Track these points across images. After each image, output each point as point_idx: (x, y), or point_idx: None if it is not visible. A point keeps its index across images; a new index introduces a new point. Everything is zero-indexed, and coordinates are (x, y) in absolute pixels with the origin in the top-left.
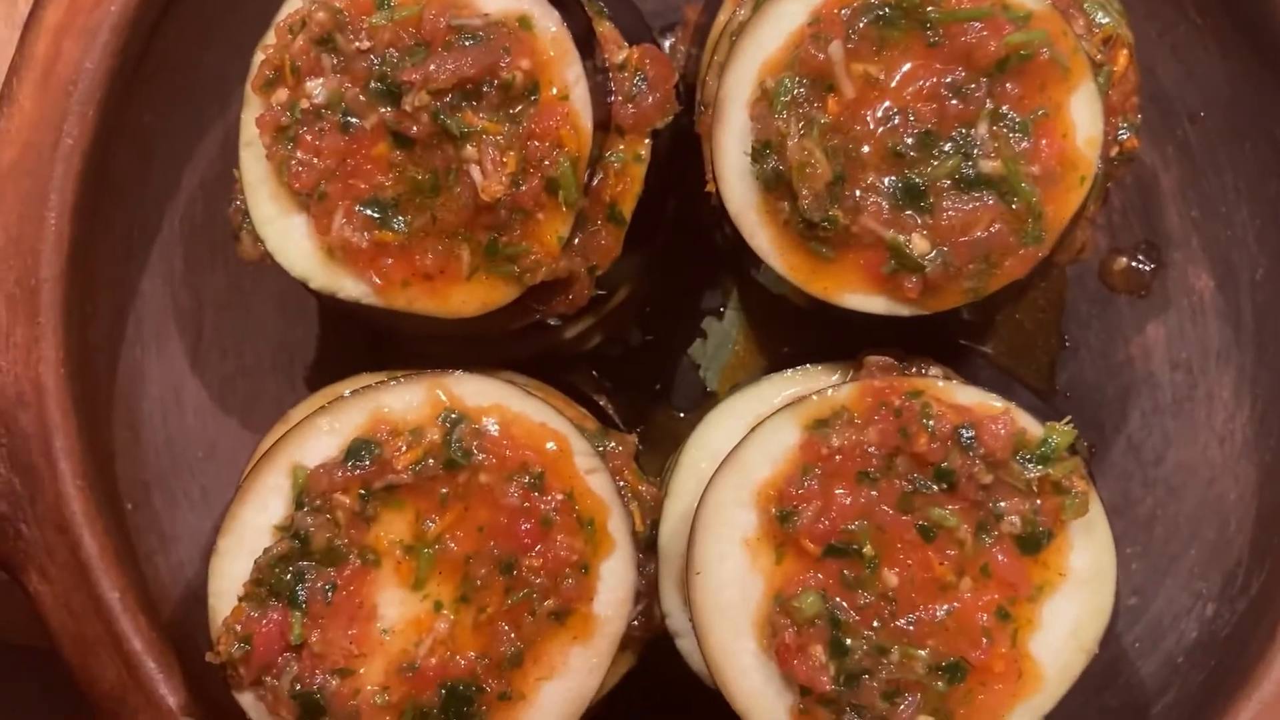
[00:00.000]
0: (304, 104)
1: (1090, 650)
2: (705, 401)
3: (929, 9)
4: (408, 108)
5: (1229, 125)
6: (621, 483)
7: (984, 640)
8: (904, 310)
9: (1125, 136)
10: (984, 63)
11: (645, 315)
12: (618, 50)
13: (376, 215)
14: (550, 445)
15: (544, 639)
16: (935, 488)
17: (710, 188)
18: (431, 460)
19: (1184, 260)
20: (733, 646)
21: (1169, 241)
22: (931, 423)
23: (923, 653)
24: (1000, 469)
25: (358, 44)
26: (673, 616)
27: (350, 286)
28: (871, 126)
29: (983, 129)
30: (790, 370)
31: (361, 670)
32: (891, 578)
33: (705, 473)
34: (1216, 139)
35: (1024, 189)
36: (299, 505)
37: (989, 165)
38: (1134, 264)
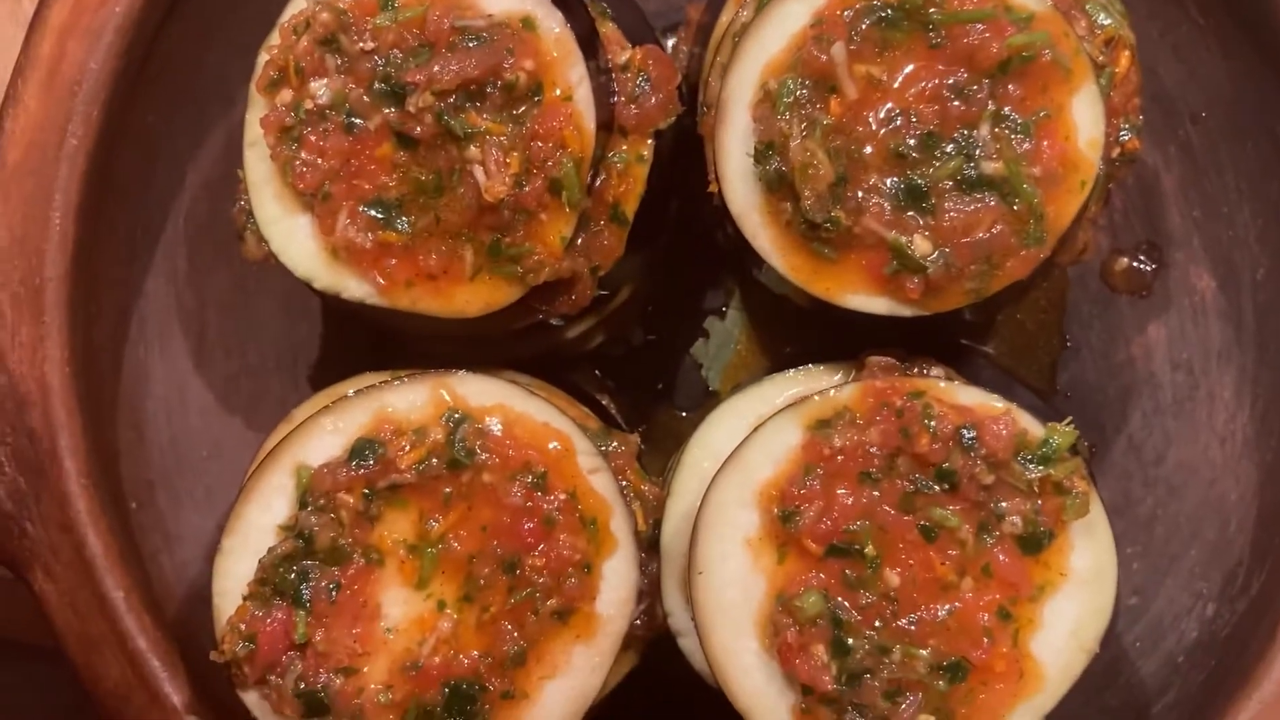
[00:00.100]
0: (308, 105)
1: (1091, 650)
2: (707, 401)
3: (931, 10)
4: (411, 108)
5: (1231, 125)
6: (624, 482)
7: (985, 640)
8: (906, 311)
9: (1127, 137)
10: (986, 64)
11: (648, 315)
12: (621, 51)
13: (380, 216)
14: (553, 445)
15: (547, 638)
16: (937, 488)
17: (713, 188)
18: (435, 460)
19: (1185, 260)
20: (735, 646)
21: (1170, 242)
22: (933, 423)
23: (924, 652)
24: (1001, 469)
25: (362, 45)
26: (675, 616)
27: (354, 287)
28: (874, 128)
29: (985, 130)
30: (792, 370)
31: (365, 669)
32: (893, 578)
33: (707, 472)
34: (1218, 139)
35: (1026, 190)
36: (303, 505)
37: (991, 166)
38: (1135, 264)
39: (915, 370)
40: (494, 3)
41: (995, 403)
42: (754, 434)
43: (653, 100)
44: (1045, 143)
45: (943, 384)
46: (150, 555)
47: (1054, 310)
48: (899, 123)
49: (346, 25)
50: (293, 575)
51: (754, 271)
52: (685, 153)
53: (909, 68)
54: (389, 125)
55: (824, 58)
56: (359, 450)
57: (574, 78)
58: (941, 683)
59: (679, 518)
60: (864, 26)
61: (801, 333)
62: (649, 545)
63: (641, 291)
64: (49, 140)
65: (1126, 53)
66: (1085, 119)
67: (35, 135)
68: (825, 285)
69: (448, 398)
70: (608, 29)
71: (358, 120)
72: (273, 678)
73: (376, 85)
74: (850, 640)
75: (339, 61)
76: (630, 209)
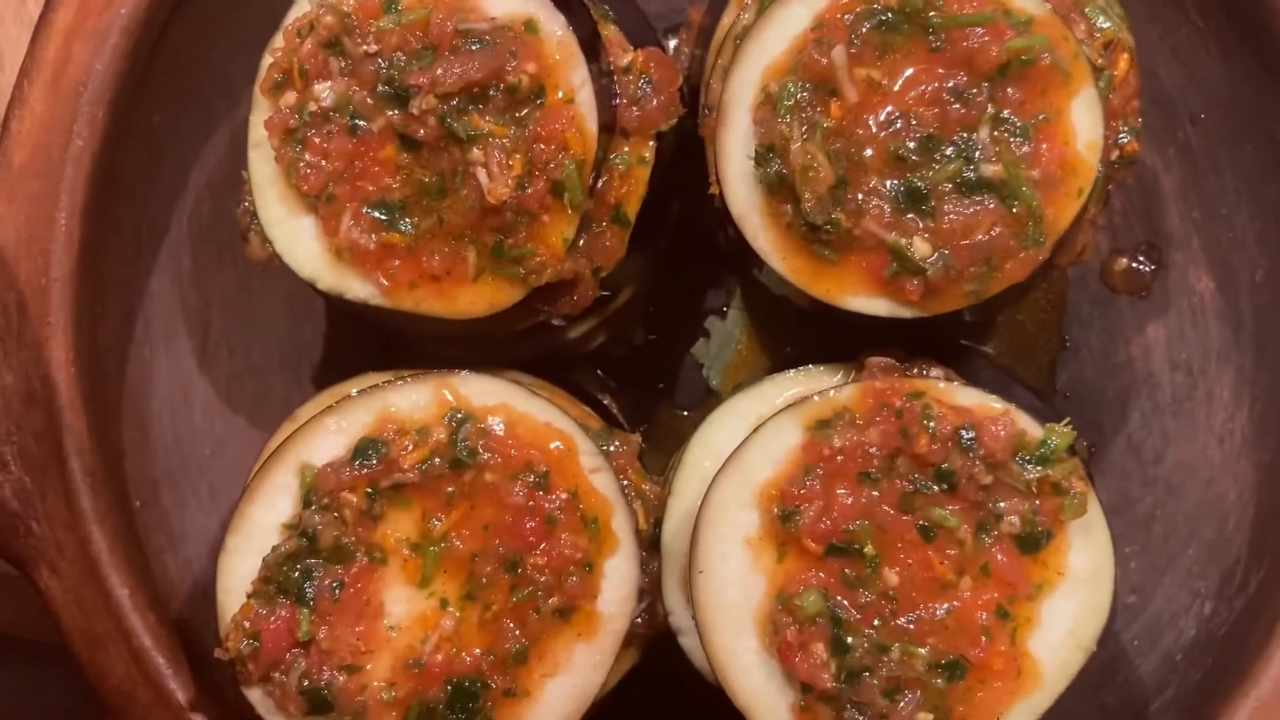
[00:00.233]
0: (312, 107)
1: (1088, 648)
2: (708, 400)
3: (931, 14)
4: (415, 111)
5: (1230, 127)
6: (625, 481)
7: (983, 638)
8: (905, 312)
9: (1126, 140)
10: (985, 68)
11: (649, 315)
12: (623, 53)
13: (384, 217)
14: (555, 444)
15: (548, 636)
16: (935, 488)
17: (714, 190)
18: (438, 459)
19: (1184, 261)
20: (735, 644)
21: (1170, 243)
22: (932, 424)
23: (923, 651)
24: (1000, 470)
25: (365, 47)
26: (676, 614)
27: (358, 287)
28: (874, 130)
29: (984, 133)
30: (792, 370)
31: (368, 666)
32: (892, 577)
33: (708, 472)
34: (1217, 141)
35: (1025, 193)
36: (307, 504)
37: (990, 169)
38: (1135, 265)
39: (914, 371)
40: (497, 6)
41: (994, 403)
42: (754, 434)
43: (654, 102)
44: (1044, 145)
45: (942, 385)
46: (154, 553)
47: (1054, 311)
48: (899, 126)
49: (350, 28)
50: (296, 573)
51: (755, 272)
52: (687, 155)
53: (909, 71)
54: (392, 127)
55: (824, 61)
56: (362, 450)
57: (576, 80)
58: (940, 681)
59: (680, 517)
60: (864, 30)
61: (802, 333)
62: (650, 544)
63: (643, 292)
64: (55, 142)
65: (1125, 56)
66: (1084, 122)
67: (41, 137)
68: (825, 287)
69: (450, 398)
70: (610, 31)
71: (361, 122)
72: (277, 675)
73: (380, 88)
74: (849, 639)
75: (343, 64)
76: (632, 210)
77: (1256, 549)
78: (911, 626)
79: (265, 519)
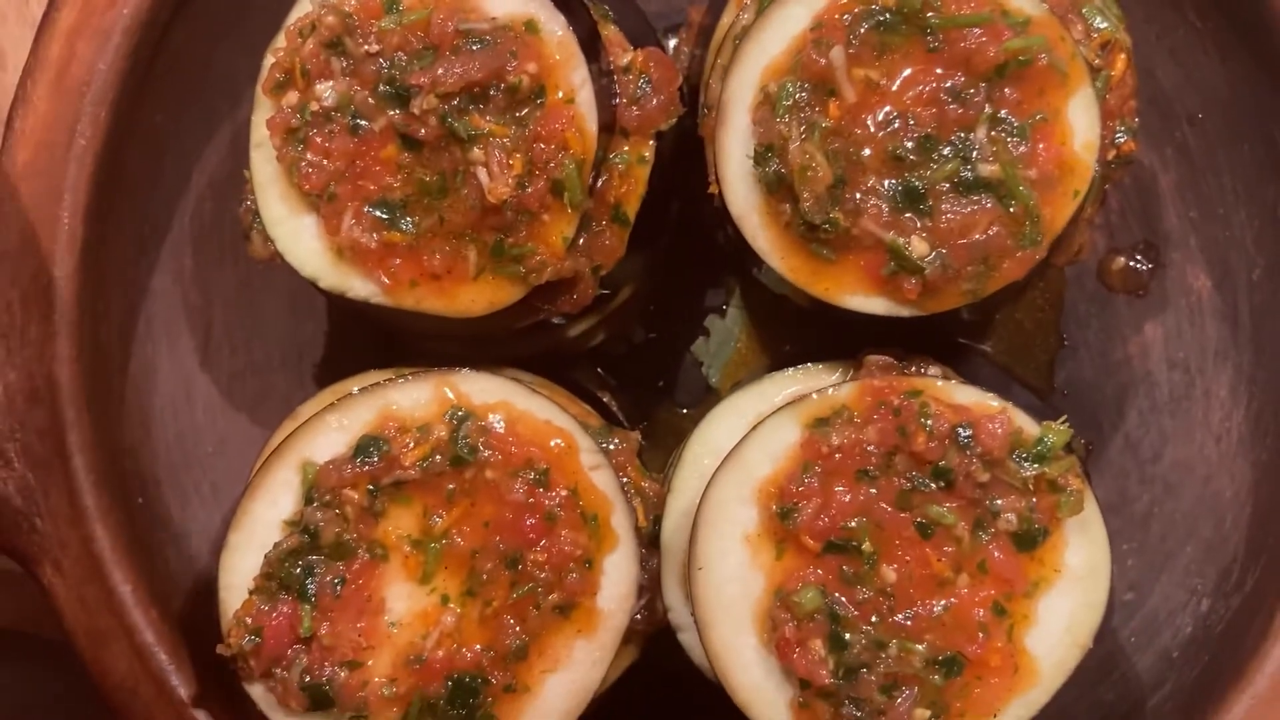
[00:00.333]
0: (314, 106)
1: (1085, 645)
2: (708, 398)
3: (929, 15)
4: (416, 110)
5: (1227, 127)
6: (625, 479)
7: (980, 635)
8: (904, 311)
9: (1123, 140)
10: (983, 68)
11: (649, 313)
12: (622, 53)
13: (385, 216)
14: (555, 442)
15: (548, 632)
16: (933, 485)
17: (713, 189)
18: (438, 457)
19: (1182, 260)
20: (734, 641)
21: (1167, 242)
22: (930, 422)
23: (920, 647)
24: (997, 467)
25: (367, 47)
26: (675, 611)
27: (359, 286)
28: (872, 130)
29: (981, 133)
30: (791, 369)
31: (370, 662)
32: (890, 573)
33: (707, 469)
34: (1215, 141)
35: (1022, 192)
36: (309, 500)
37: (987, 169)
38: (1132, 264)
39: (912, 369)
40: (497, 6)
41: (991, 401)
42: (753, 432)
43: (654, 102)
44: (1041, 145)
45: (940, 383)
46: (157, 550)
47: (1051, 309)
48: (897, 125)
49: (351, 28)
50: (298, 570)
51: (754, 271)
52: (686, 154)
53: (907, 71)
54: (393, 127)
55: (823, 61)
56: (364, 447)
57: (576, 80)
58: (937, 677)
59: (679, 514)
60: (862, 30)
61: (801, 332)
62: (649, 541)
63: (643, 290)
64: (58, 140)
65: (1123, 56)
66: (1081, 122)
67: (44, 135)
68: (824, 285)
69: (451, 395)
70: (609, 31)
71: (363, 122)
72: (278, 671)
73: (381, 87)
74: (847, 635)
75: (344, 64)
76: (632, 209)
77: (1253, 547)
78: (909, 623)
79: (267, 516)
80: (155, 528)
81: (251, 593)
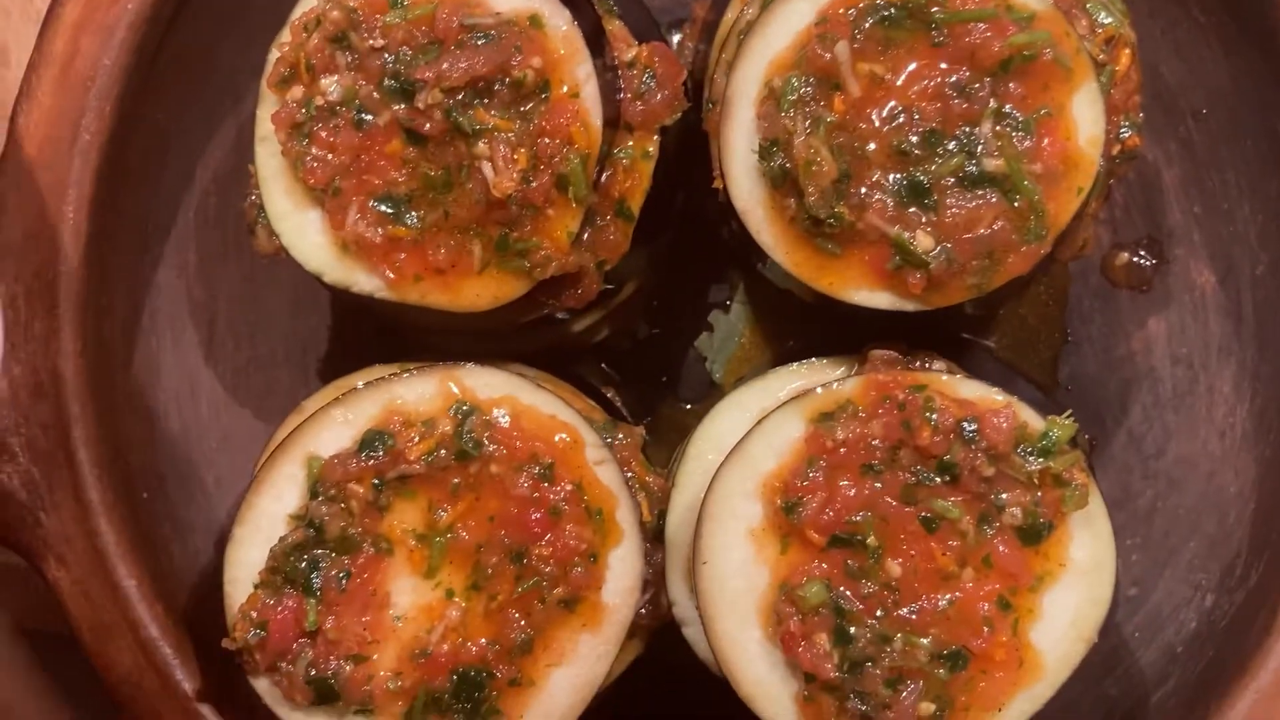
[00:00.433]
0: (319, 101)
1: (1090, 639)
2: (711, 394)
3: (934, 10)
4: (421, 105)
5: (1231, 122)
6: (629, 474)
7: (985, 629)
8: (908, 306)
9: (1127, 135)
10: (988, 63)
11: (653, 309)
12: (627, 48)
13: (390, 211)
14: (560, 437)
15: (553, 626)
16: (938, 480)
17: (717, 184)
18: (443, 451)
19: (1186, 256)
20: (739, 635)
21: (1171, 237)
22: (934, 416)
23: (925, 641)
24: (1002, 462)
25: (371, 42)
26: (679, 605)
27: (364, 281)
28: (877, 125)
29: (986, 128)
30: (795, 364)
31: (375, 656)
32: (895, 568)
33: (712, 464)
34: (1219, 136)
35: (1026, 187)
36: (314, 494)
37: (992, 163)
38: (1136, 259)
39: (917, 364)
40: (502, 1)
41: (996, 396)
42: (757, 426)
43: (658, 97)
44: (1046, 140)
45: (944, 377)
46: (161, 544)
47: (1055, 305)
48: (902, 120)
49: (356, 23)
50: (303, 564)
51: (758, 266)
52: (690, 149)
53: (912, 66)
54: (398, 121)
55: (828, 56)
56: (369, 441)
57: (581, 75)
58: (942, 671)
59: (683, 509)
60: (867, 25)
61: (805, 327)
62: (654, 536)
63: (647, 286)
64: (63, 135)
65: (1127, 51)
66: (1086, 117)
67: (50, 130)
68: (829, 280)
69: (456, 390)
70: (614, 26)
71: (368, 116)
72: (284, 665)
73: (386, 82)
74: (852, 629)
75: (349, 58)
76: (636, 204)
77: (1257, 542)
78: (914, 617)
79: (272, 510)
80: (160, 522)
81: (256, 587)
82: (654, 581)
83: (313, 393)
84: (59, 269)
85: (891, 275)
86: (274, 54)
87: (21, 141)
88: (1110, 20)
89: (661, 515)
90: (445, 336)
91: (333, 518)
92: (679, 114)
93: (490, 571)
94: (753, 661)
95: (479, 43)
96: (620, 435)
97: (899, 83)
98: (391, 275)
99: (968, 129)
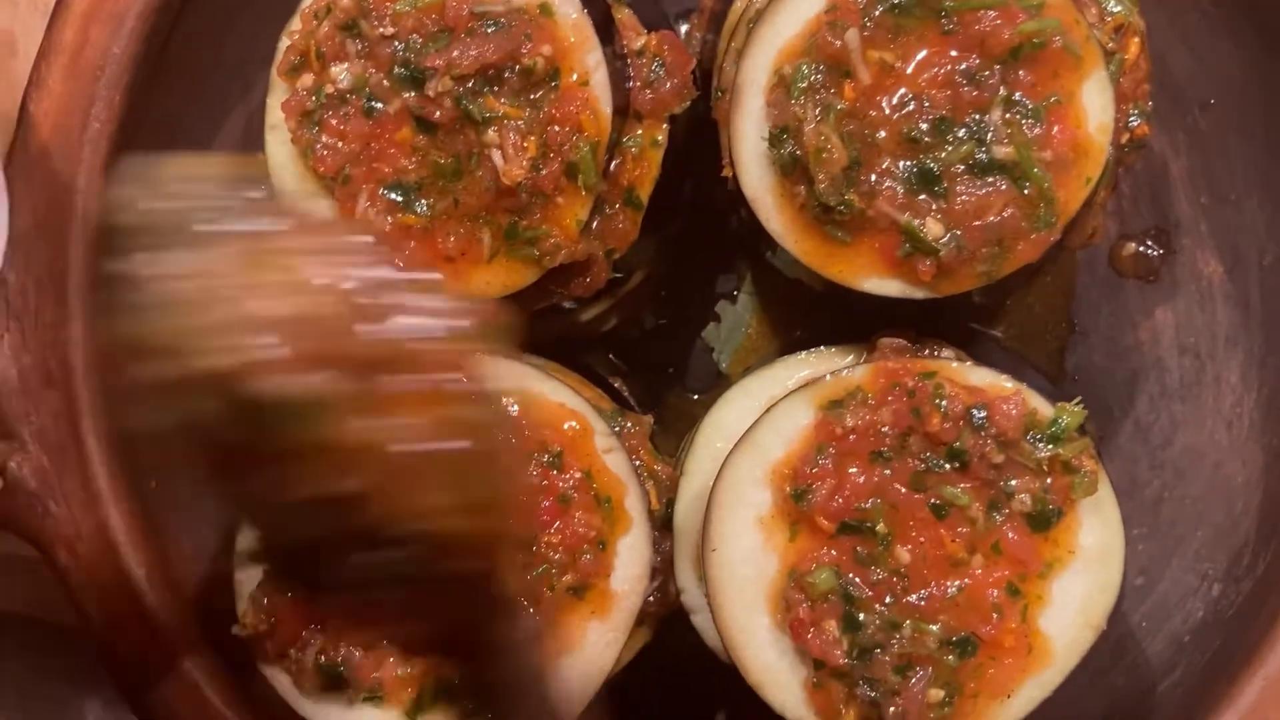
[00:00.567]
0: (329, 89)
1: (1098, 627)
2: (718, 384)
3: None
4: (431, 93)
5: (1240, 113)
6: (638, 462)
7: (994, 616)
8: (918, 293)
9: (1136, 123)
10: (997, 50)
11: (660, 299)
12: (636, 37)
13: (400, 199)
14: (568, 425)
15: (562, 614)
16: (947, 466)
17: (727, 172)
18: None
19: (1193, 246)
20: (747, 622)
21: (1178, 228)
22: (944, 403)
23: (934, 627)
24: (1011, 448)
25: (382, 30)
26: (688, 593)
27: None
28: (887, 112)
29: (996, 115)
30: (804, 352)
31: (385, 643)
32: (904, 554)
33: (720, 452)
34: (1227, 126)
35: (1036, 174)
36: None
37: (1002, 151)
38: (1143, 250)
39: (926, 352)
40: None
41: (1005, 383)
42: (766, 414)
43: (668, 85)
44: (1056, 128)
45: (954, 364)
46: (170, 533)
47: (1062, 295)
48: (912, 107)
49: (366, 10)
50: None
51: (767, 255)
52: (699, 137)
53: (921, 53)
54: (408, 109)
55: (838, 43)
56: None
57: (590, 63)
58: (951, 657)
59: (692, 496)
60: (877, 13)
61: (812, 316)
62: (662, 524)
63: (655, 275)
64: (73, 124)
65: (1136, 39)
66: (1095, 104)
67: (59, 119)
68: (838, 268)
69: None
70: (623, 15)
71: (378, 104)
72: (293, 652)
73: (396, 70)
74: (861, 616)
75: (359, 46)
76: (645, 193)
77: (1265, 532)
78: (923, 604)
79: None
80: (168, 511)
81: (266, 574)
82: (662, 569)
83: None
84: (69, 259)
85: (901, 263)
86: (284, 42)
87: (32, 131)
88: (1119, 9)
89: (670, 503)
90: None
91: None
92: (688, 102)
93: None
94: (761, 648)
95: (489, 30)
96: (629, 424)
97: (909, 70)
98: (400, 264)
99: (978, 116)
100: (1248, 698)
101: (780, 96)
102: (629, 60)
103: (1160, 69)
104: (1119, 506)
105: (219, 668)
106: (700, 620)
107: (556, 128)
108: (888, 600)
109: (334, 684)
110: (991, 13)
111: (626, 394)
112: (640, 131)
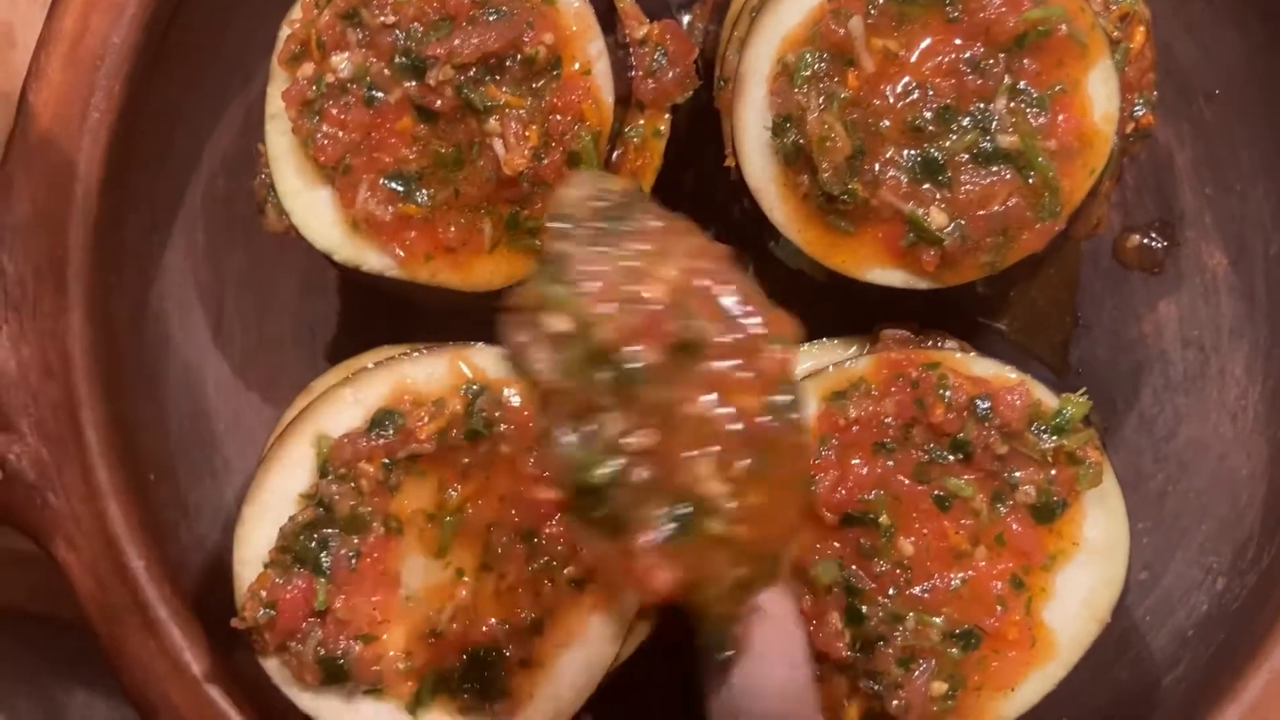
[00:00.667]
0: (329, 78)
1: (1103, 619)
2: None
3: None
4: (432, 82)
5: (1245, 103)
6: None
7: (998, 608)
8: (922, 284)
9: (1141, 113)
10: (1002, 38)
11: None
12: (638, 26)
13: (400, 188)
14: None
15: (563, 606)
16: (951, 458)
17: (730, 162)
18: (454, 430)
19: (1197, 238)
20: None
21: (1183, 219)
22: (948, 394)
23: (938, 620)
24: (1015, 439)
25: (382, 19)
26: None
27: (374, 259)
28: (891, 101)
29: (1000, 104)
30: (806, 344)
31: (384, 636)
32: (907, 546)
33: None
34: (1232, 117)
35: (1041, 163)
36: (323, 474)
37: (1006, 140)
38: (1147, 241)
39: (930, 343)
40: None
41: (1009, 374)
42: None
43: (670, 75)
44: (1061, 116)
45: (958, 355)
46: (170, 526)
47: (1066, 287)
48: (915, 96)
49: None
50: (313, 543)
51: (770, 245)
52: (702, 127)
53: (925, 42)
54: (409, 98)
55: (841, 31)
56: (379, 421)
57: (592, 52)
58: (955, 650)
59: None
60: (881, 1)
61: (815, 307)
62: None
63: None
64: (72, 113)
65: (1141, 28)
66: (1100, 94)
67: (59, 108)
68: (841, 258)
69: (466, 370)
70: (625, 4)
71: (378, 94)
72: (293, 644)
73: (397, 59)
74: (864, 608)
75: (360, 35)
76: (647, 183)
77: (1269, 524)
78: (926, 596)
79: (282, 489)
80: (168, 504)
81: (266, 566)
82: None
83: (320, 375)
84: (68, 248)
85: (905, 252)
86: (285, 31)
87: (31, 120)
88: None
89: None
90: (454, 316)
91: (343, 497)
92: (690, 92)
93: (500, 551)
94: None
95: (490, 19)
96: None
97: (913, 59)
98: (401, 254)
99: (982, 105)
100: (1252, 692)
101: (783, 85)
102: (631, 49)
103: (1165, 58)
104: (1123, 499)
105: (218, 660)
106: None
107: (558, 117)
108: (891, 593)
109: (334, 677)
110: (996, 1)
111: None
112: (642, 121)
